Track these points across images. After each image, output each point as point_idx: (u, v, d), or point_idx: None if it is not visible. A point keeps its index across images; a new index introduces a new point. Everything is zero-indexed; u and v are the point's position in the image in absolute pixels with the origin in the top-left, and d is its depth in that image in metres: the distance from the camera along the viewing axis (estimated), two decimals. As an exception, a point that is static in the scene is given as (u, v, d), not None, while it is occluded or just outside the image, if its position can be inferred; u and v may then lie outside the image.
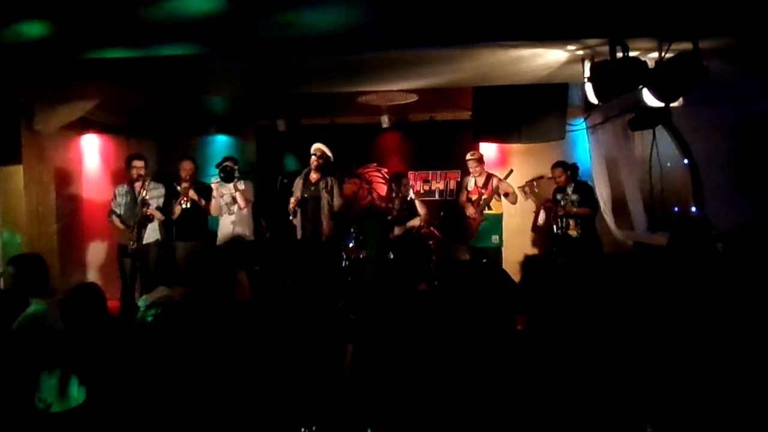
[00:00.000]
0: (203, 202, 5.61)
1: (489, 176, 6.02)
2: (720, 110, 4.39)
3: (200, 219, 5.77)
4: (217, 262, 5.48)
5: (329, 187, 5.50)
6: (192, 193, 5.55)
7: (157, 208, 5.41)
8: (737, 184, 4.49)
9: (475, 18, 3.35)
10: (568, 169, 5.86)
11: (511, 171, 6.01)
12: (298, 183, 5.57)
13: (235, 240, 5.60)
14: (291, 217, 5.62)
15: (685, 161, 4.63)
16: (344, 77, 4.36)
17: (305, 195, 5.48)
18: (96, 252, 6.01)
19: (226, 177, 5.43)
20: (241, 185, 5.60)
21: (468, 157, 6.00)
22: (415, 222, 5.67)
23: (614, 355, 2.05)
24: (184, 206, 5.47)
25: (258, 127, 7.15)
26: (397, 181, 5.81)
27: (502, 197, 5.99)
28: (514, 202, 6.05)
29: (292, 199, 5.52)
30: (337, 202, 5.54)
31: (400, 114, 6.78)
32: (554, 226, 5.82)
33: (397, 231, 5.68)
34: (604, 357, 2.04)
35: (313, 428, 1.69)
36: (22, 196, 5.05)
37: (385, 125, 6.84)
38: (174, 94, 5.21)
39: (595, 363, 2.01)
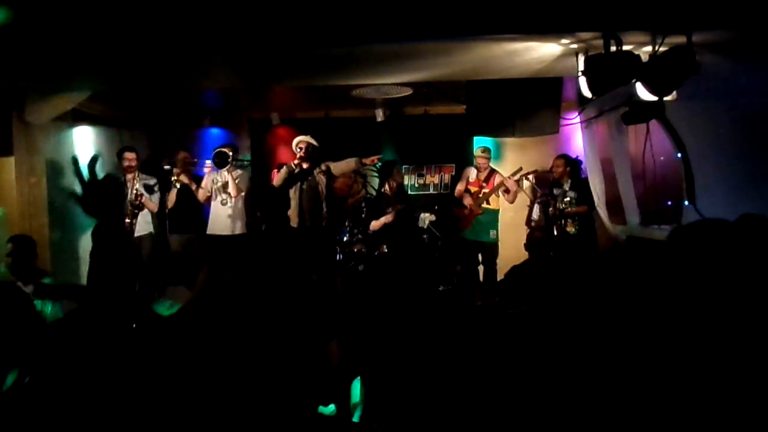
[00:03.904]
0: (194, 186, 5.61)
1: (492, 171, 6.03)
2: (713, 104, 4.40)
3: (195, 211, 5.77)
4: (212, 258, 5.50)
5: (324, 170, 5.48)
6: (184, 177, 5.53)
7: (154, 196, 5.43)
8: (730, 178, 4.51)
9: (468, 11, 3.34)
10: (570, 164, 5.85)
11: (521, 169, 6.00)
12: (282, 174, 5.49)
13: (228, 235, 5.60)
14: (289, 211, 5.61)
15: (678, 155, 4.65)
16: (338, 70, 4.35)
17: (303, 186, 5.45)
18: (89, 244, 5.95)
19: (220, 162, 5.40)
20: (236, 174, 5.58)
21: (478, 153, 6.02)
22: (389, 218, 5.67)
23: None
24: (174, 184, 5.44)
25: (252, 119, 7.13)
26: (389, 170, 5.82)
27: (501, 193, 5.99)
28: (512, 201, 6.05)
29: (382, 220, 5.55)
30: (337, 169, 5.56)
31: (395, 107, 6.77)
32: (552, 224, 5.79)
33: (374, 225, 5.69)
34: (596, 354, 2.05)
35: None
36: (14, 188, 5.02)
37: (379, 119, 6.82)
38: (167, 85, 5.18)
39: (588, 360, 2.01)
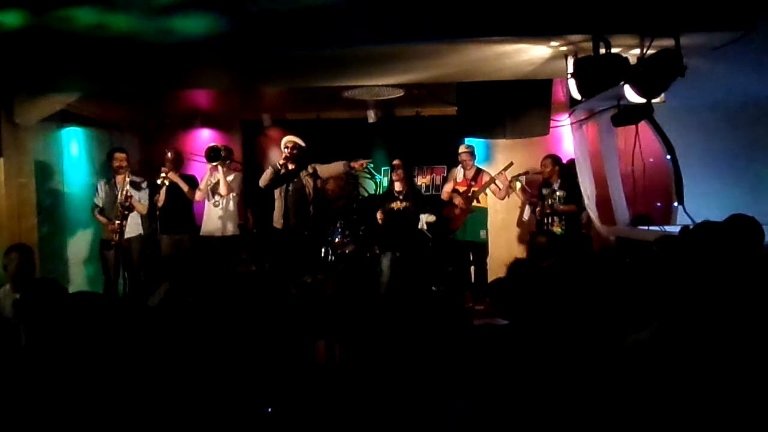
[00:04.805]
0: (186, 188, 5.60)
1: (478, 170, 6.05)
2: (701, 106, 4.45)
3: (185, 211, 5.75)
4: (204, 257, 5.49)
5: (311, 172, 5.48)
6: (172, 175, 5.51)
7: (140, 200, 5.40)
8: (718, 178, 4.56)
9: (459, 13, 3.36)
10: (558, 164, 5.88)
11: (511, 164, 6.01)
12: (267, 174, 5.48)
13: (220, 236, 5.58)
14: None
15: (668, 157, 4.69)
16: (330, 71, 4.36)
17: (289, 188, 5.44)
18: (78, 246, 5.94)
19: (214, 156, 5.40)
20: (230, 175, 5.57)
21: (462, 149, 6.04)
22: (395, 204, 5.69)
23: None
24: (161, 182, 5.40)
25: (244, 121, 7.12)
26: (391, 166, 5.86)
27: (490, 191, 6.01)
28: (503, 198, 6.07)
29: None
30: (325, 172, 5.57)
31: (386, 109, 6.78)
32: (541, 225, 5.83)
33: (380, 215, 5.72)
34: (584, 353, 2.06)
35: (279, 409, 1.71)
36: (3, 189, 4.97)
37: (371, 120, 6.83)
38: (158, 86, 5.16)
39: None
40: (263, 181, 5.45)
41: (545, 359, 2.04)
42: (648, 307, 2.31)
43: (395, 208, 5.68)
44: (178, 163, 5.86)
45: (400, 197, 5.78)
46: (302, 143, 5.48)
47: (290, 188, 5.40)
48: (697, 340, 1.83)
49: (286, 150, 5.41)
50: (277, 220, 5.47)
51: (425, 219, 5.93)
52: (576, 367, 2.00)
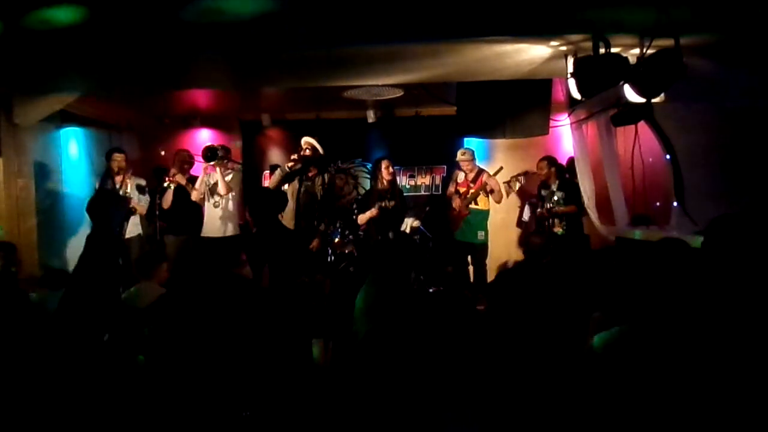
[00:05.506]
0: (191, 187, 5.59)
1: (480, 171, 6.04)
2: (701, 106, 4.44)
3: (193, 212, 5.73)
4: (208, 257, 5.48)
5: (326, 184, 5.48)
6: (180, 177, 5.50)
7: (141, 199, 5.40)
8: (718, 180, 4.55)
9: (459, 13, 3.36)
10: (554, 165, 5.88)
11: (501, 168, 6.01)
12: (275, 178, 5.48)
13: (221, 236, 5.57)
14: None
15: (667, 156, 4.68)
16: (330, 71, 4.35)
17: (301, 189, 5.44)
18: (77, 246, 5.91)
19: (210, 156, 5.38)
20: (228, 174, 5.56)
21: (459, 157, 6.00)
22: (373, 213, 5.65)
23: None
24: (167, 186, 5.41)
25: (243, 121, 7.11)
26: (378, 165, 5.82)
27: (488, 194, 6.00)
28: (498, 201, 6.05)
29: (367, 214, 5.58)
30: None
31: (386, 109, 6.78)
32: (542, 225, 5.82)
33: (360, 218, 5.71)
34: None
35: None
36: (2, 190, 4.97)
37: (370, 120, 6.83)
38: (157, 86, 5.16)
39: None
40: (272, 183, 5.48)
41: (539, 361, 2.05)
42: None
43: (386, 206, 5.67)
44: (187, 167, 5.83)
45: (388, 195, 5.77)
46: (320, 148, 5.47)
47: (302, 190, 5.41)
48: (663, 340, 1.85)
49: (301, 150, 5.41)
50: (290, 220, 5.46)
51: (410, 223, 5.90)
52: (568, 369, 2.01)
